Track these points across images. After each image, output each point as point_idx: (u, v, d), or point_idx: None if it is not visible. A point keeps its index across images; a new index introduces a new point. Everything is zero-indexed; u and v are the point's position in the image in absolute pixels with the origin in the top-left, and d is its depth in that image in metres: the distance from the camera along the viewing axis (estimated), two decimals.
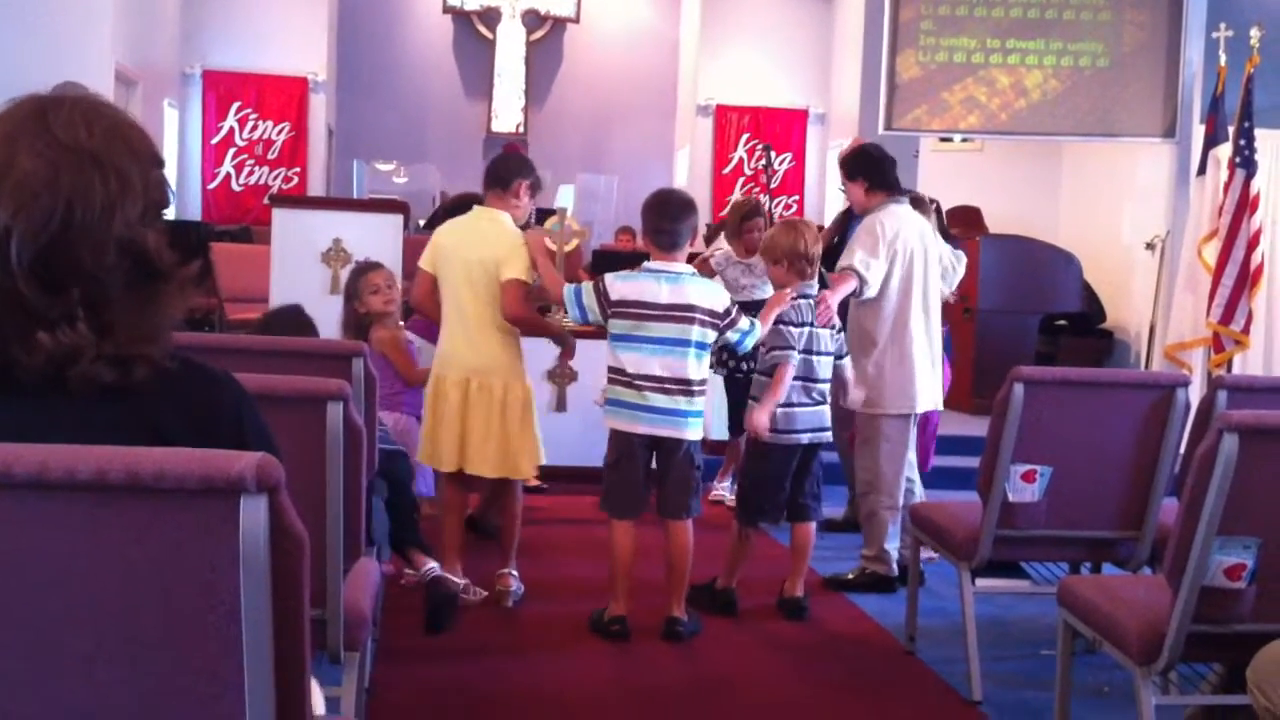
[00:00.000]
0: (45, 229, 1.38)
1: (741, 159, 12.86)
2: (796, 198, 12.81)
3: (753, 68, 12.82)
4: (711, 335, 4.20)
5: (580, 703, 3.70)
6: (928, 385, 4.96)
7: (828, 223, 6.87)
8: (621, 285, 4.18)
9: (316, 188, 12.10)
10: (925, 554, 4.49)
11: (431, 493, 4.85)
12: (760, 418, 4.37)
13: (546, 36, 14.22)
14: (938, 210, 5.62)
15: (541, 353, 5.57)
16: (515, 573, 4.59)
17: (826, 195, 12.23)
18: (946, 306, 5.42)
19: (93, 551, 1.35)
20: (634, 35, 14.33)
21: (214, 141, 12.02)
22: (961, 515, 3.99)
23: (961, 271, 5.45)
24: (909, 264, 4.90)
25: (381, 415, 4.01)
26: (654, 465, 4.26)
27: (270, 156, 12.07)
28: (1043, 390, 3.69)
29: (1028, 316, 8.96)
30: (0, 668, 1.36)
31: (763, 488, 4.54)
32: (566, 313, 4.38)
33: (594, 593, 4.40)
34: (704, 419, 4.29)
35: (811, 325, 4.48)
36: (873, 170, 5.05)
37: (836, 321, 4.62)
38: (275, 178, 12.07)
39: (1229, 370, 7.08)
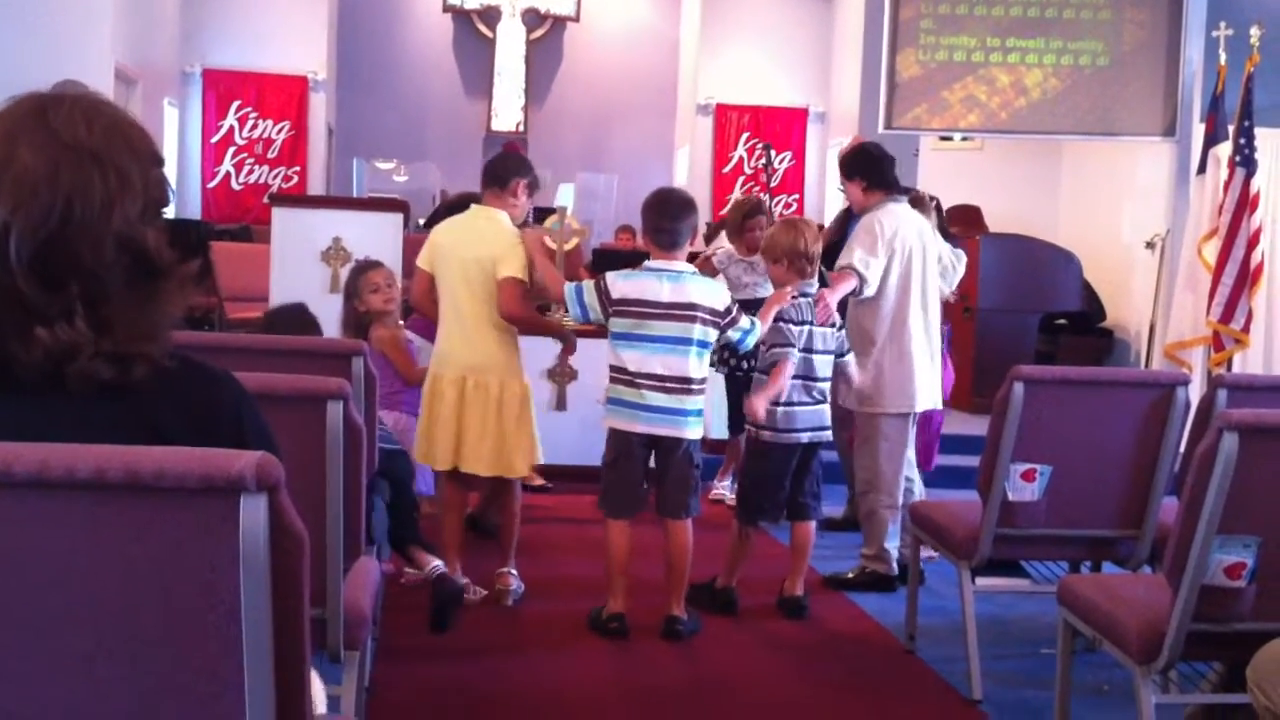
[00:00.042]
0: (44, 225, 1.38)
1: (741, 158, 12.86)
2: (796, 197, 12.81)
3: (753, 67, 12.82)
4: (713, 334, 4.21)
5: (580, 702, 3.70)
6: (927, 384, 4.96)
7: (828, 221, 6.87)
8: (623, 284, 4.18)
9: (316, 186, 12.10)
10: (925, 553, 4.48)
11: (431, 491, 4.85)
12: (757, 405, 4.37)
13: (546, 35, 14.23)
14: (938, 208, 5.62)
15: (541, 351, 5.57)
16: (515, 572, 4.59)
17: (826, 194, 12.23)
18: (947, 306, 5.43)
19: (92, 550, 1.34)
20: (634, 34, 14.34)
21: (214, 140, 12.02)
22: (961, 514, 3.98)
23: (961, 270, 5.45)
24: (907, 262, 4.90)
25: (381, 414, 4.01)
26: (653, 464, 4.26)
27: (270, 155, 12.08)
28: (1043, 389, 3.69)
29: (1027, 315, 8.96)
30: (0, 667, 1.36)
31: (763, 486, 4.54)
32: (567, 311, 4.39)
33: (594, 592, 4.40)
34: (704, 418, 4.29)
35: (811, 324, 4.48)
36: (870, 169, 5.05)
37: (837, 319, 4.62)
38: (275, 176, 12.07)
39: (1229, 369, 7.07)
